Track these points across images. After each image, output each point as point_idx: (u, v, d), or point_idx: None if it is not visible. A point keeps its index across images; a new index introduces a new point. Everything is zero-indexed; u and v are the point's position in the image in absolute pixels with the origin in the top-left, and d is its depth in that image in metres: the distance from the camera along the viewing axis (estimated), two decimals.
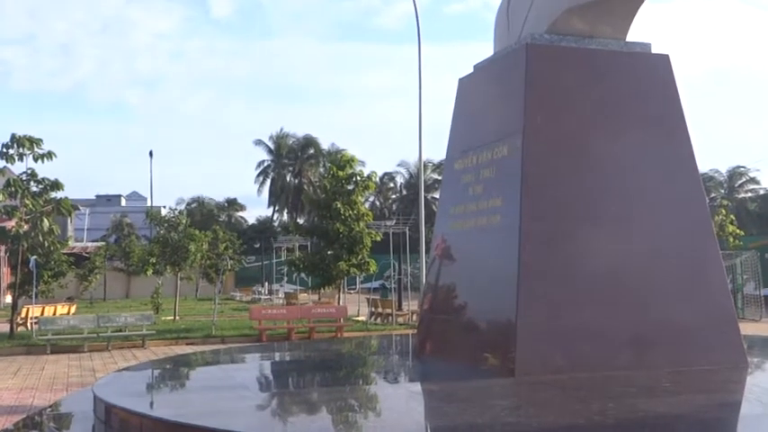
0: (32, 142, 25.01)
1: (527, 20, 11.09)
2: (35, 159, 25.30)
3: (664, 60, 11.02)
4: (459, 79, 12.38)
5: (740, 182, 79.37)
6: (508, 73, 11.02)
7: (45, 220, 25.61)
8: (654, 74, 10.98)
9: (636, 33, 11.22)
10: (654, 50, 11.09)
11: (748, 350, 10.77)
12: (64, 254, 31.54)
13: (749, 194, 78.50)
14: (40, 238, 25.80)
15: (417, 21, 31.25)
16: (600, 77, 10.80)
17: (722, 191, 76.15)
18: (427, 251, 20.60)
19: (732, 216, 40.53)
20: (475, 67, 12.14)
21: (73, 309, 33.69)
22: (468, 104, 12.15)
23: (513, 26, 11.46)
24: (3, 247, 32.80)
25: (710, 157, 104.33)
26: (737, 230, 39.18)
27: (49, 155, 25.36)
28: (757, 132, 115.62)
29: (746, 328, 13.43)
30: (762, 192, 78.50)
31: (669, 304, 10.17)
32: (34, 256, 26.11)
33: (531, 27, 10.92)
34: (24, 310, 28.26)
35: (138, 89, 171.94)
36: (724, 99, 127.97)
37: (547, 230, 10.01)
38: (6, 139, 25.03)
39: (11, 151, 25.01)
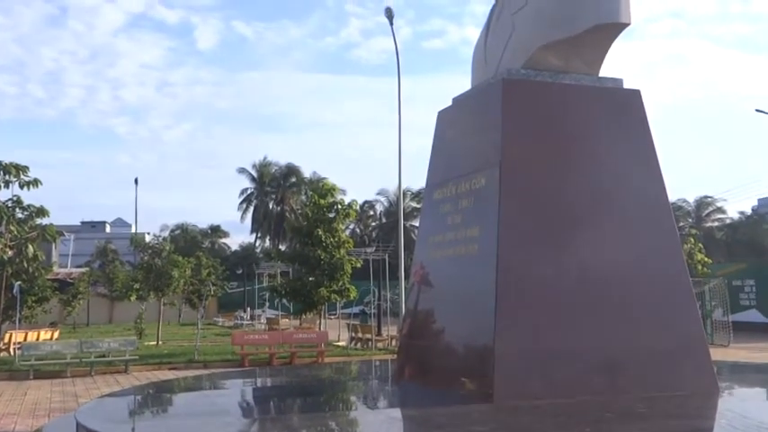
0: (18, 169, 24.90)
1: (504, 55, 11.36)
2: (21, 186, 25.21)
3: (635, 95, 11.32)
4: (439, 112, 12.63)
5: (707, 211, 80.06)
6: (486, 106, 11.26)
7: (30, 246, 25.62)
8: (625, 108, 11.26)
9: (609, 69, 11.56)
10: (626, 86, 11.40)
11: (718, 375, 11.01)
12: (48, 279, 31.56)
13: (716, 224, 79.18)
14: (25, 265, 25.83)
15: (397, 55, 31.54)
16: (574, 111, 11.05)
17: (690, 220, 76.55)
18: (406, 278, 20.79)
19: (700, 244, 40.88)
20: (453, 99, 12.39)
21: (56, 334, 33.57)
22: (446, 136, 12.39)
23: (490, 61, 11.71)
24: None
25: (679, 187, 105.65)
26: (706, 258, 39.55)
27: (35, 182, 25.19)
28: (724, 163, 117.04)
29: (716, 354, 13.67)
30: (728, 221, 79.37)
31: (643, 330, 10.40)
32: (18, 282, 26.14)
33: (507, 62, 11.20)
34: (7, 336, 28.19)
35: (125, 117, 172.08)
36: (692, 131, 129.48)
37: (523, 259, 10.20)
38: None
39: None
